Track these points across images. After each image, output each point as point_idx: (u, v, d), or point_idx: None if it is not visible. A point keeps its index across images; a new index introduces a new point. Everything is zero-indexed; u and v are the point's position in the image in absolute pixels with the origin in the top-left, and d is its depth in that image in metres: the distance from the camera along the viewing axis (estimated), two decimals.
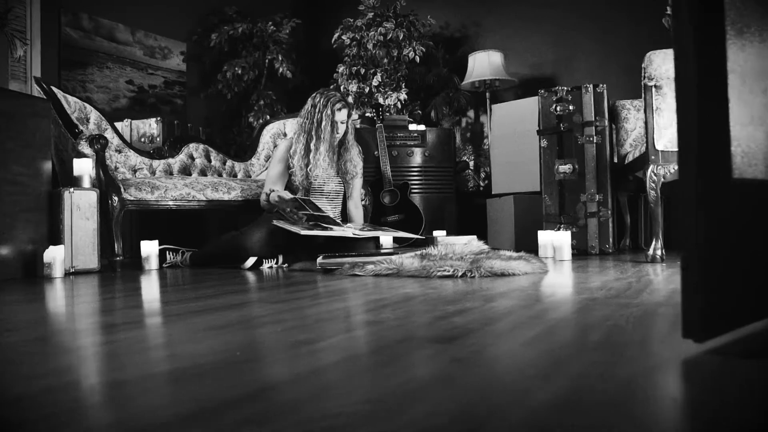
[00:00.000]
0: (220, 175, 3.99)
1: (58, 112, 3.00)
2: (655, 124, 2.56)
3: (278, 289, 1.97)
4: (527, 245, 3.25)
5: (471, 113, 5.76)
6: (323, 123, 3.03)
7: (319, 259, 2.59)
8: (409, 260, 2.33)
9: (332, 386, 0.74)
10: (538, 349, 0.93)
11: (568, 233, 2.89)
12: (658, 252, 2.58)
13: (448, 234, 3.87)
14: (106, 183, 2.91)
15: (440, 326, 1.14)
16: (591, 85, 3.24)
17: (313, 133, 3.04)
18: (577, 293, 1.60)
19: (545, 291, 1.70)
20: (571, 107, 3.25)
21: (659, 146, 2.56)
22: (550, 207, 3.31)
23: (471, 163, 5.43)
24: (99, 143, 2.90)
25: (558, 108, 3.28)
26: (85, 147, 2.91)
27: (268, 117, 5.46)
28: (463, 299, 1.52)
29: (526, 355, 0.90)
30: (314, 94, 3.15)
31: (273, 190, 2.91)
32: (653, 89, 2.55)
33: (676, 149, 2.48)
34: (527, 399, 0.67)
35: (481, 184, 5.52)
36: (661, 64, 2.47)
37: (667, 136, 2.55)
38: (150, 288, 2.16)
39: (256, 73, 5.55)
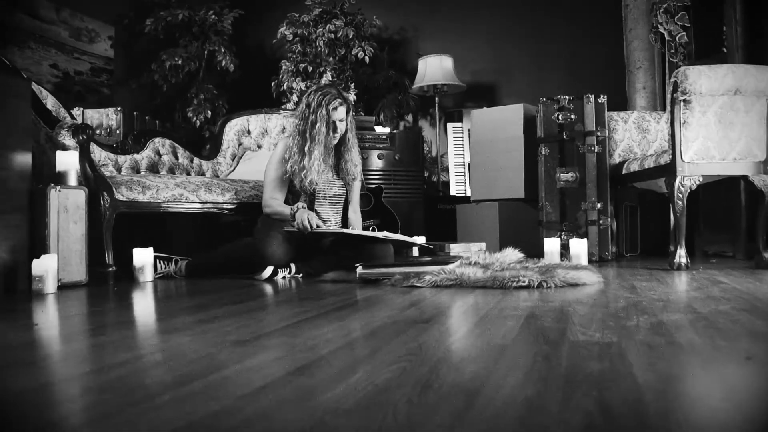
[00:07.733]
0: (188, 173, 3.60)
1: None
2: (683, 137, 2.64)
3: (402, 311, 1.76)
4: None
5: (409, 117, 5.74)
6: (318, 124, 2.75)
7: (360, 269, 2.39)
8: (470, 270, 2.21)
9: None
10: None
11: (584, 241, 2.92)
12: (683, 260, 2.66)
13: (427, 241, 3.77)
14: (96, 181, 2.49)
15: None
16: (592, 96, 3.30)
17: (307, 135, 2.76)
18: (724, 304, 1.58)
19: (684, 304, 1.65)
20: (572, 116, 3.30)
21: (686, 158, 2.64)
22: (551, 214, 3.33)
23: None
24: (85, 134, 2.48)
25: (560, 117, 3.30)
26: (66, 138, 2.47)
27: (209, 113, 5.06)
28: (621, 313, 1.43)
29: None
30: (308, 92, 2.89)
31: (298, 209, 2.63)
32: (681, 103, 2.63)
33: (703, 161, 2.52)
34: None
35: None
36: (697, 80, 2.55)
37: (693, 149, 2.64)
38: (177, 313, 1.85)
39: (196, 65, 5.11)
